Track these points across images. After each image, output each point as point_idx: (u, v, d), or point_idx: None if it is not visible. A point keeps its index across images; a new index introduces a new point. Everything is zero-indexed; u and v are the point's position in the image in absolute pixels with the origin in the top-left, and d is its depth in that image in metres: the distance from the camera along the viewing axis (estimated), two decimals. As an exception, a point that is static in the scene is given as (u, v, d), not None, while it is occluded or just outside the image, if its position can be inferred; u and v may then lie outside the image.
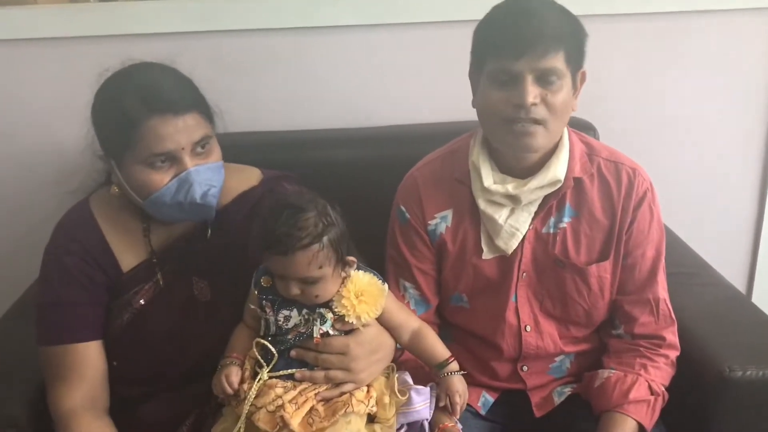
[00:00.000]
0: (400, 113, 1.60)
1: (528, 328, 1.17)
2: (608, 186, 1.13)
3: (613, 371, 1.13)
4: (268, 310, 1.02)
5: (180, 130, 0.99)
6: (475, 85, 1.09)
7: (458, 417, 1.08)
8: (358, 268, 1.04)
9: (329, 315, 1.01)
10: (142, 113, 0.98)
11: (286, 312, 1.01)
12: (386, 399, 1.04)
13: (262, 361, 1.01)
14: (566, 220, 1.13)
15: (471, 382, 1.15)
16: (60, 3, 1.55)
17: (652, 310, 1.14)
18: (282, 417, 0.96)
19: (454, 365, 1.08)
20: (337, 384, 1.01)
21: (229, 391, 1.00)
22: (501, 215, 1.11)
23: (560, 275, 1.14)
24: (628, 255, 1.14)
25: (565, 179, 1.10)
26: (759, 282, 1.86)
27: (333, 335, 1.01)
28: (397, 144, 1.52)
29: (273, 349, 1.00)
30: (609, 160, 1.14)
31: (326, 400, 1.00)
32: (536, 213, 1.13)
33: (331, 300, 1.01)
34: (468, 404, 1.11)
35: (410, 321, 1.10)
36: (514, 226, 1.11)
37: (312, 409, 0.98)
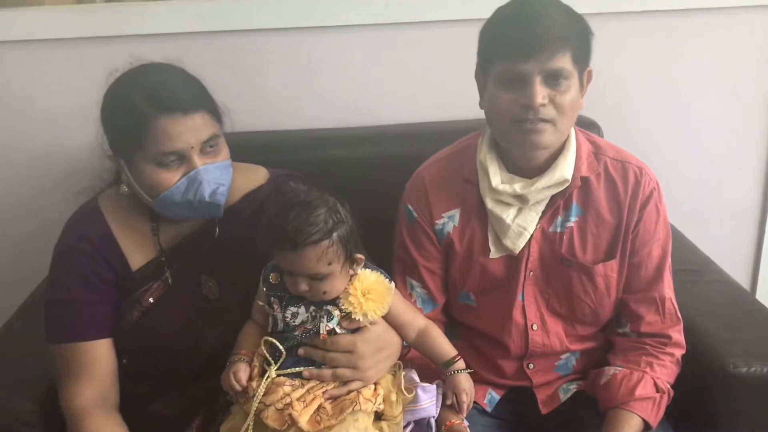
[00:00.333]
0: (405, 112, 1.61)
1: (534, 327, 1.17)
2: (615, 185, 1.13)
3: (619, 369, 1.13)
4: (275, 307, 1.03)
5: (189, 129, 1.00)
6: (482, 87, 1.09)
7: (465, 415, 1.09)
8: (366, 266, 1.04)
9: (336, 312, 1.02)
10: (151, 113, 0.99)
11: (293, 309, 1.02)
12: (393, 397, 1.04)
13: (270, 358, 1.01)
14: (573, 220, 1.14)
15: (477, 379, 1.15)
16: (67, 4, 1.55)
17: (658, 308, 1.15)
18: (290, 415, 0.96)
19: (461, 363, 1.09)
20: (345, 382, 1.02)
21: (238, 388, 1.01)
22: (509, 215, 1.12)
23: (567, 274, 1.15)
24: (635, 254, 1.14)
25: (572, 179, 1.10)
26: (763, 279, 1.86)
27: (340, 333, 1.02)
28: (403, 143, 1.52)
29: (281, 347, 1.01)
30: (616, 159, 1.14)
31: (334, 398, 1.01)
32: (543, 212, 1.13)
33: (338, 297, 1.02)
34: (474, 401, 1.11)
35: (417, 319, 1.11)
36: (522, 226, 1.12)
37: (320, 406, 0.99)
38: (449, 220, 1.17)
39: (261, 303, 1.05)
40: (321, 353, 1.02)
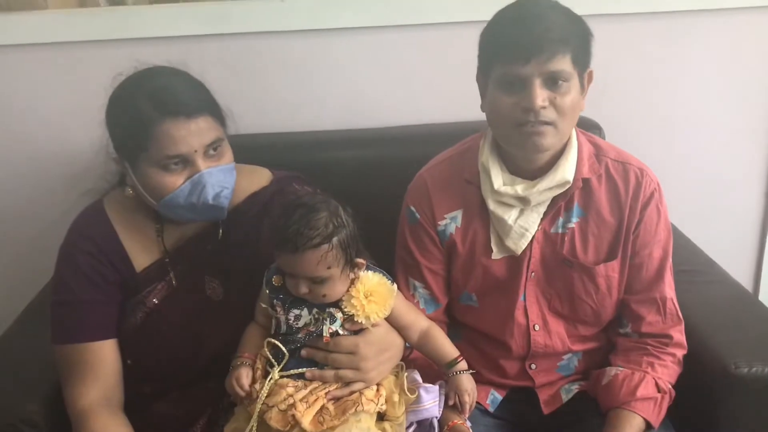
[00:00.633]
0: (407, 114, 1.61)
1: (536, 327, 1.18)
2: (616, 186, 1.14)
3: (621, 369, 1.14)
4: (278, 309, 1.03)
5: (192, 133, 1.01)
6: (483, 90, 1.10)
7: (467, 415, 1.09)
8: (368, 269, 1.05)
9: (339, 315, 1.02)
10: (156, 116, 1.00)
11: (296, 311, 1.03)
12: (396, 397, 1.05)
13: (273, 360, 1.02)
14: (574, 220, 1.14)
15: (480, 380, 1.16)
16: (71, 8, 1.56)
17: (659, 309, 1.15)
18: (293, 416, 0.97)
19: (463, 364, 1.09)
20: (347, 383, 1.02)
21: (241, 393, 1.01)
22: (510, 216, 1.12)
23: (568, 275, 1.15)
24: (636, 255, 1.14)
25: (573, 180, 1.10)
26: (765, 280, 1.86)
27: (342, 335, 1.03)
28: (405, 144, 1.53)
29: (284, 349, 1.02)
30: (617, 160, 1.15)
31: (336, 399, 1.01)
32: (545, 213, 1.13)
33: (340, 300, 1.02)
34: (477, 402, 1.12)
35: (419, 321, 1.11)
36: (524, 227, 1.12)
37: (323, 407, 1.00)
38: (452, 221, 1.17)
39: (264, 305, 1.06)
40: (323, 354, 1.02)
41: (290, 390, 1.00)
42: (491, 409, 1.21)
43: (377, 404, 1.03)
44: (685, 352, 1.16)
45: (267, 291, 1.05)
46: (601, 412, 1.14)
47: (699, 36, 1.62)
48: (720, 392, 1.14)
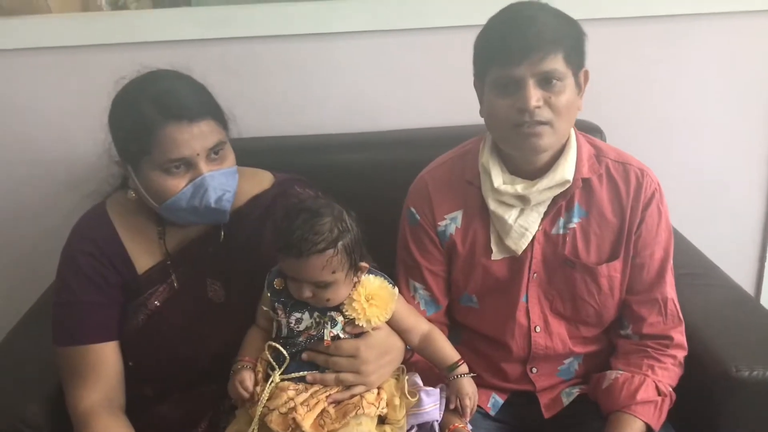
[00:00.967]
0: (408, 117, 1.62)
1: (537, 329, 1.18)
2: (617, 186, 1.14)
3: (621, 372, 1.14)
4: (280, 313, 1.03)
5: (195, 137, 1.01)
6: (481, 95, 1.11)
7: (468, 419, 1.09)
8: (369, 272, 1.05)
9: (340, 318, 1.02)
10: (158, 120, 1.00)
11: (297, 314, 1.03)
12: (396, 400, 1.05)
13: (274, 363, 1.02)
14: (576, 221, 1.14)
15: (480, 383, 1.16)
16: (74, 12, 1.57)
17: (660, 309, 1.15)
18: (294, 419, 0.97)
19: (464, 368, 1.09)
20: (348, 386, 1.02)
21: (245, 395, 1.01)
22: (510, 215, 1.12)
23: (570, 275, 1.15)
24: (637, 255, 1.15)
25: (573, 180, 1.11)
26: (767, 282, 1.86)
27: (343, 338, 1.03)
28: (406, 147, 1.53)
29: (285, 352, 1.02)
30: (617, 161, 1.15)
31: (337, 402, 1.01)
32: (545, 213, 1.14)
33: (342, 303, 1.02)
34: (478, 405, 1.12)
35: (420, 324, 1.11)
36: (524, 226, 1.13)
37: (323, 411, 1.00)
38: (452, 222, 1.18)
39: (265, 308, 1.06)
40: (324, 358, 1.02)
41: (291, 393, 1.00)
42: (492, 413, 1.21)
43: (378, 407, 1.03)
44: (685, 353, 1.16)
45: (268, 294, 1.05)
46: (602, 415, 1.14)
47: (697, 39, 1.63)
48: (721, 395, 1.14)
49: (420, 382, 1.10)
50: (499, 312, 1.18)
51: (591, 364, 1.22)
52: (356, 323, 1.02)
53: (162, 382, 1.12)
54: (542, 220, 1.14)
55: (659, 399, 1.10)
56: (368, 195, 1.34)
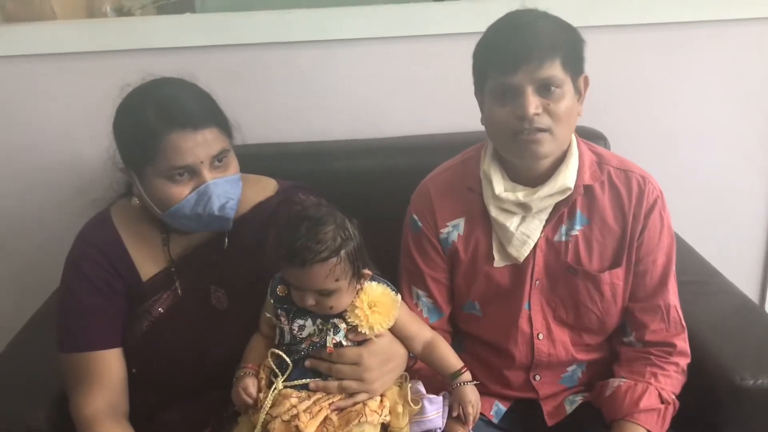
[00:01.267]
0: (411, 124, 1.62)
1: (540, 336, 1.18)
2: (619, 194, 1.14)
3: (624, 380, 1.14)
4: (282, 320, 1.04)
5: (199, 144, 1.02)
6: (481, 104, 1.11)
7: (471, 427, 1.09)
8: (372, 279, 1.05)
9: (342, 325, 1.03)
10: (162, 128, 1.01)
11: (300, 321, 1.03)
12: (399, 408, 1.05)
13: (277, 370, 1.02)
14: (578, 228, 1.14)
15: (483, 391, 1.16)
16: (79, 18, 1.57)
17: (663, 316, 1.15)
18: (297, 426, 0.97)
19: (467, 375, 1.09)
20: (351, 394, 1.02)
21: (249, 401, 1.01)
22: (512, 222, 1.12)
23: (573, 282, 1.15)
24: (639, 262, 1.15)
25: (575, 187, 1.11)
26: (772, 290, 1.86)
27: (346, 345, 1.03)
28: (409, 154, 1.53)
29: (287, 359, 1.02)
30: (619, 168, 1.15)
31: (340, 410, 1.01)
32: (547, 221, 1.14)
33: (344, 310, 1.02)
34: (481, 413, 1.11)
35: (423, 331, 1.11)
36: (526, 234, 1.13)
37: (326, 418, 1.00)
38: (454, 229, 1.18)
39: (268, 315, 1.06)
40: (327, 365, 1.02)
41: (294, 401, 1.00)
42: (495, 421, 1.21)
43: (381, 415, 1.03)
44: (688, 360, 1.16)
45: (271, 300, 1.05)
46: (605, 423, 1.13)
47: (699, 46, 1.63)
48: (725, 404, 1.13)
49: (423, 389, 1.10)
50: (502, 319, 1.18)
51: (594, 371, 1.21)
52: (359, 330, 1.02)
53: (165, 389, 1.13)
54: (544, 227, 1.14)
55: (662, 407, 1.10)
56: (371, 202, 1.34)
